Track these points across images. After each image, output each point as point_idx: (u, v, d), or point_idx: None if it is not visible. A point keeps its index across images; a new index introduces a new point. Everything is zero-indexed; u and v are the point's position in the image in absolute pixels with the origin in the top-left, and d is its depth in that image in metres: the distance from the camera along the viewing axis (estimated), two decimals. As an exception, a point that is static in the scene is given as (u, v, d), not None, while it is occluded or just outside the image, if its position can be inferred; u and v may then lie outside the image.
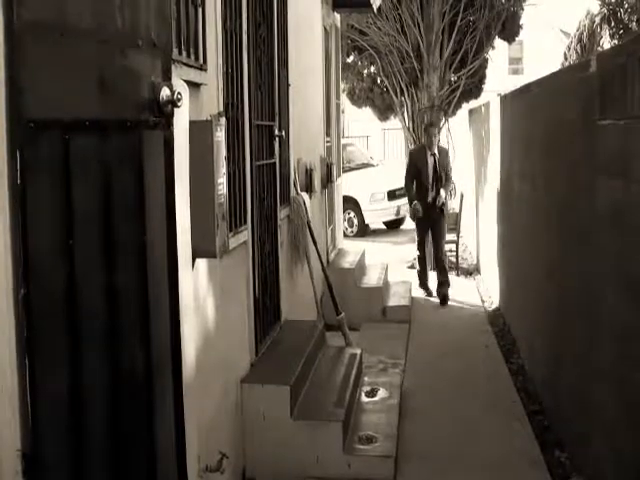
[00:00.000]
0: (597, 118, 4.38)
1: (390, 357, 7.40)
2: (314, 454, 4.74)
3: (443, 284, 10.19)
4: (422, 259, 10.56)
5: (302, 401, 5.05)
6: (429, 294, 10.43)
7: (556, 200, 5.69)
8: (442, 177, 10.10)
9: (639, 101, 3.67)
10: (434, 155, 10.11)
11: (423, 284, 10.64)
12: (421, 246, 10.50)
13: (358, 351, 6.42)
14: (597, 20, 16.62)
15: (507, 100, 8.79)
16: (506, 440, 5.43)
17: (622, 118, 3.94)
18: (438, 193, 10.03)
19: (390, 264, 11.34)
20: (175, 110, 2.74)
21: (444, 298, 10.08)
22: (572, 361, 5.14)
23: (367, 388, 6.03)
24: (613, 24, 15.47)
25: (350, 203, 16.53)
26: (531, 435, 5.52)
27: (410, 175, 10.35)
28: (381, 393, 5.94)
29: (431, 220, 10.15)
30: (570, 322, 5.20)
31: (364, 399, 5.82)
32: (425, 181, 10.07)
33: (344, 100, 15.10)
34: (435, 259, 10.52)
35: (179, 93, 2.69)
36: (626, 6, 15.07)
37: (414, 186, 10.25)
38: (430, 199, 10.05)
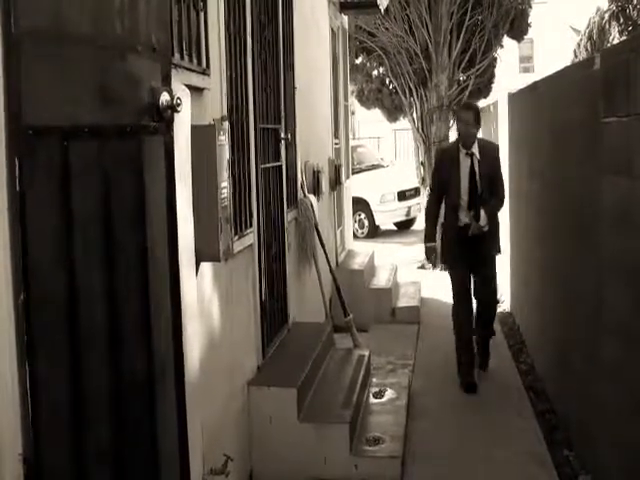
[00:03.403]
0: (602, 115, 4.38)
1: (399, 358, 7.42)
2: (321, 455, 4.75)
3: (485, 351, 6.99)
4: (460, 332, 6.71)
5: (309, 403, 5.06)
6: (469, 384, 6.54)
7: (563, 199, 5.69)
8: (484, 190, 6.52)
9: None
10: (471, 155, 6.51)
11: (464, 368, 6.69)
12: (458, 308, 6.72)
13: (366, 352, 6.43)
14: (606, 17, 16.61)
15: (515, 99, 8.78)
16: (514, 439, 5.42)
17: (626, 115, 3.94)
18: (477, 215, 6.45)
19: (400, 265, 11.35)
20: (176, 115, 2.75)
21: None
22: (580, 360, 5.13)
23: (375, 389, 6.04)
24: (622, 21, 15.46)
25: (360, 204, 16.55)
26: (539, 434, 5.51)
27: (435, 194, 6.86)
28: (389, 394, 5.94)
29: (469, 260, 6.60)
30: (577, 321, 5.20)
31: (372, 400, 5.82)
32: (454, 195, 6.54)
33: (355, 101, 15.14)
34: (478, 326, 6.87)
35: (178, 98, 2.70)
36: (635, 2, 15.05)
37: (441, 207, 6.89)
38: (462, 223, 6.53)
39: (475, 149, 6.54)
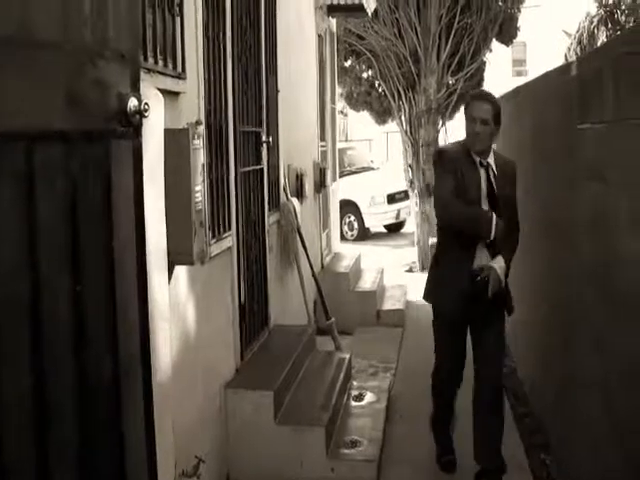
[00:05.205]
0: (577, 122, 4.41)
1: (381, 361, 7.43)
2: (298, 459, 4.77)
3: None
4: (440, 406, 5.24)
5: (287, 406, 5.08)
6: (447, 464, 5.07)
7: (544, 205, 5.71)
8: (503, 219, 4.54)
9: (613, 105, 3.70)
10: (487, 167, 4.63)
11: (441, 450, 5.18)
12: (444, 378, 5.11)
13: (347, 355, 6.44)
14: (595, 21, 16.70)
15: (501, 103, 8.79)
16: (492, 443, 5.44)
17: (599, 122, 3.97)
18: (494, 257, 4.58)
19: (388, 267, 11.39)
20: (148, 119, 2.76)
21: None
22: (558, 366, 5.15)
23: (355, 392, 6.06)
24: (610, 25, 15.56)
25: (350, 207, 16.62)
26: (518, 438, 5.53)
27: (448, 191, 4.54)
28: (369, 397, 5.97)
29: (472, 319, 4.73)
30: (557, 327, 5.22)
31: (351, 403, 5.85)
32: None
33: (346, 104, 15.21)
34: (476, 407, 4.85)
35: (146, 104, 2.71)
36: (623, 7, 15.16)
37: (442, 239, 4.90)
38: (476, 266, 4.58)
39: (491, 161, 4.66)
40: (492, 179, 4.61)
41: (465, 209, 4.56)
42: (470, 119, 4.61)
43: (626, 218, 3.49)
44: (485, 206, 4.58)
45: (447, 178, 4.55)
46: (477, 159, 4.60)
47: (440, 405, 5.21)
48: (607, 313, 3.83)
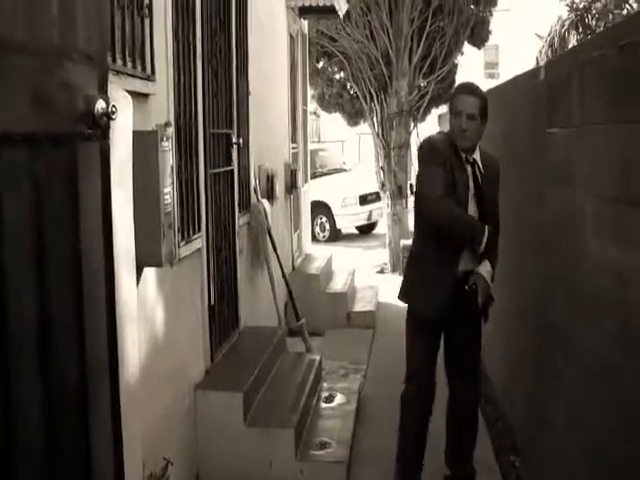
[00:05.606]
0: (546, 126, 4.44)
1: (352, 363, 7.45)
2: (267, 460, 4.77)
3: None
4: (411, 439, 4.72)
5: (256, 407, 5.08)
6: None
7: (514, 209, 5.74)
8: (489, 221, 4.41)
9: (580, 109, 3.73)
10: (473, 164, 4.43)
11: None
12: (416, 388, 4.73)
13: (317, 357, 6.46)
14: (566, 25, 16.85)
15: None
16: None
17: (566, 126, 4.00)
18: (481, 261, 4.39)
19: (360, 269, 11.40)
20: (116, 121, 2.75)
21: None
22: (527, 369, 5.18)
23: (325, 394, 6.07)
24: (581, 29, 15.72)
25: (322, 208, 16.64)
26: (488, 441, 5.56)
27: (441, 191, 4.24)
28: (339, 399, 5.98)
29: (447, 326, 4.52)
30: (526, 331, 5.25)
31: (321, 405, 5.86)
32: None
33: (318, 105, 15.23)
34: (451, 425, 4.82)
35: (114, 106, 2.71)
36: (593, 12, 15.34)
37: (423, 237, 4.55)
38: (460, 272, 4.39)
39: (477, 157, 4.45)
40: (478, 176, 4.40)
41: (458, 213, 4.29)
42: (455, 114, 4.36)
43: (591, 221, 3.53)
44: (472, 205, 4.36)
45: (437, 172, 4.26)
46: (463, 155, 4.37)
47: (410, 438, 4.68)
48: (575, 315, 3.86)
